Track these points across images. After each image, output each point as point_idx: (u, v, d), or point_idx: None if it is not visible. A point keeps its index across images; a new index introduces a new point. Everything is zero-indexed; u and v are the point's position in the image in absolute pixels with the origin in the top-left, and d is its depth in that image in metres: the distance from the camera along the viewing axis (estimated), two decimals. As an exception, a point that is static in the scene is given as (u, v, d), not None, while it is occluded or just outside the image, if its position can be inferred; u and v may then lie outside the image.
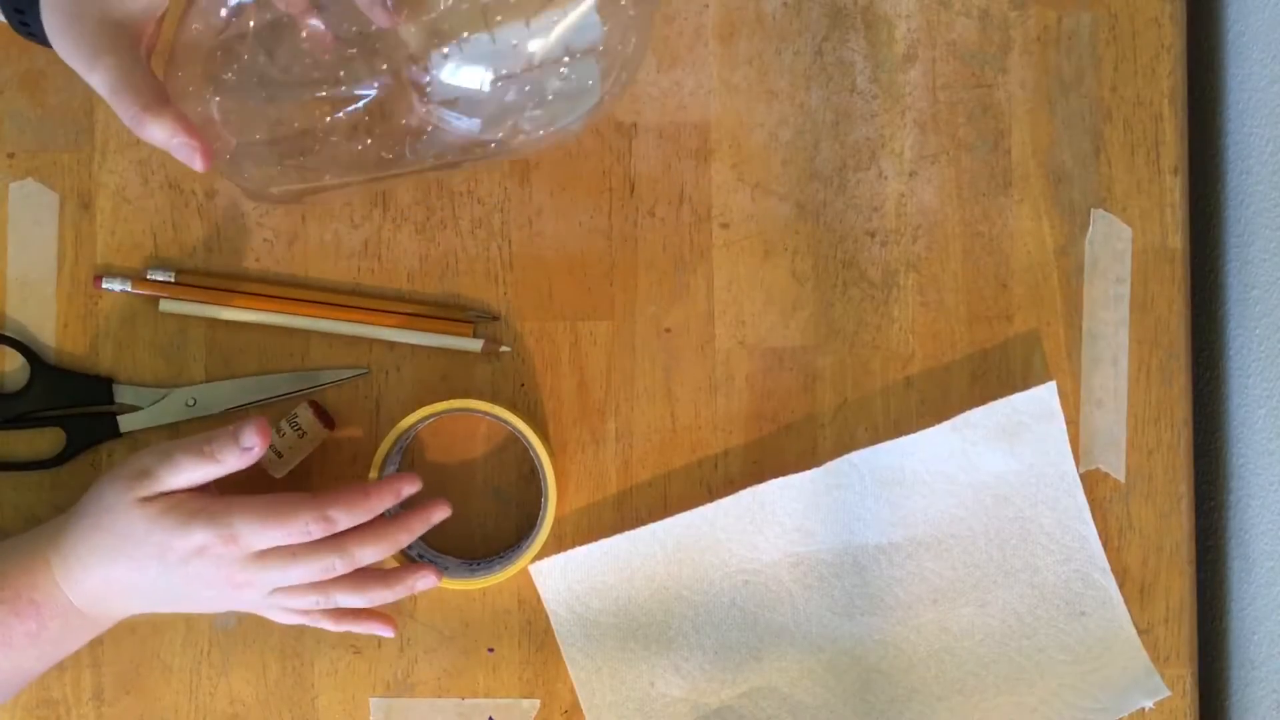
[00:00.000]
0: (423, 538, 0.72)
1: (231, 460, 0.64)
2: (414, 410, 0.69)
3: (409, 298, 0.72)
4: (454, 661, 0.72)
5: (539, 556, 0.70)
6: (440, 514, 0.67)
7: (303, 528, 0.63)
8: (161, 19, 0.59)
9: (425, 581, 0.67)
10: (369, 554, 0.65)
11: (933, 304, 0.72)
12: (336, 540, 0.64)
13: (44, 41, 0.59)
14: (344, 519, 0.64)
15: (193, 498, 0.64)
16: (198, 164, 0.58)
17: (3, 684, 0.66)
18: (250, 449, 0.64)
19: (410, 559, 0.69)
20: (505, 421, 0.69)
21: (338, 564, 0.64)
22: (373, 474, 0.69)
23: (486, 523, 0.72)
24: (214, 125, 0.62)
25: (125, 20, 0.58)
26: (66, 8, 0.57)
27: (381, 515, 0.66)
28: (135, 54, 0.58)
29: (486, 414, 0.69)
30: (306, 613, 0.67)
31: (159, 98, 0.57)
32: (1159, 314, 0.71)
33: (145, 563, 0.63)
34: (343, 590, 0.66)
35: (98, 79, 0.57)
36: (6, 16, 0.60)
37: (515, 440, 0.71)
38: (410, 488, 0.66)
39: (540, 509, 0.70)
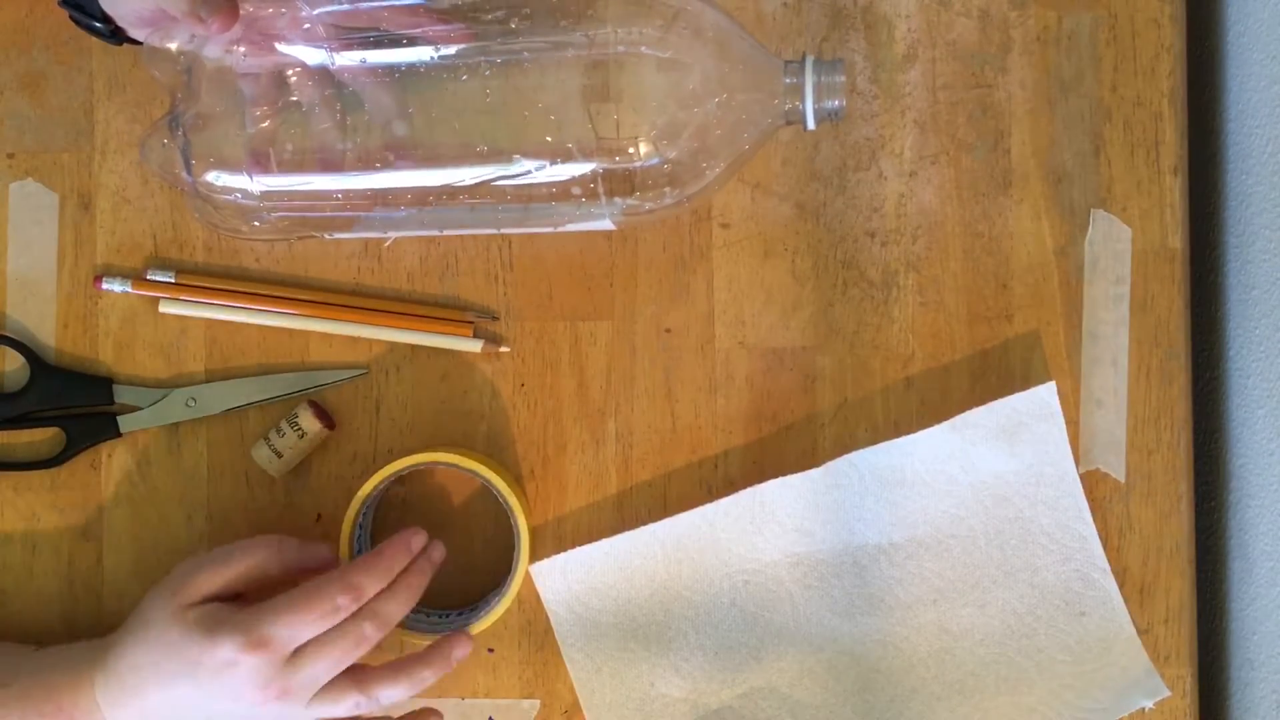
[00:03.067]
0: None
1: (294, 553, 0.64)
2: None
3: (409, 298, 0.72)
4: (454, 661, 0.72)
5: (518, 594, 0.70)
6: (438, 554, 0.66)
7: (332, 605, 0.61)
8: None
9: (461, 650, 0.65)
10: (394, 608, 0.63)
11: (933, 304, 0.72)
12: (360, 609, 0.62)
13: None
14: (369, 583, 0.62)
15: (224, 608, 0.62)
16: (220, 25, 0.59)
17: None
18: (325, 558, 0.65)
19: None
20: (473, 473, 0.68)
21: (368, 629, 0.62)
22: (343, 543, 0.68)
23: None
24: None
25: None
26: None
27: None
28: None
29: (454, 465, 0.68)
30: None
31: None
32: (1159, 314, 0.71)
33: (178, 681, 0.61)
34: (383, 681, 0.63)
35: None
36: None
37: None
38: (419, 540, 0.65)
39: (514, 556, 0.69)
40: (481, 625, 0.68)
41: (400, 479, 0.71)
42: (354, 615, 0.62)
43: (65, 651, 0.65)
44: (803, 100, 0.62)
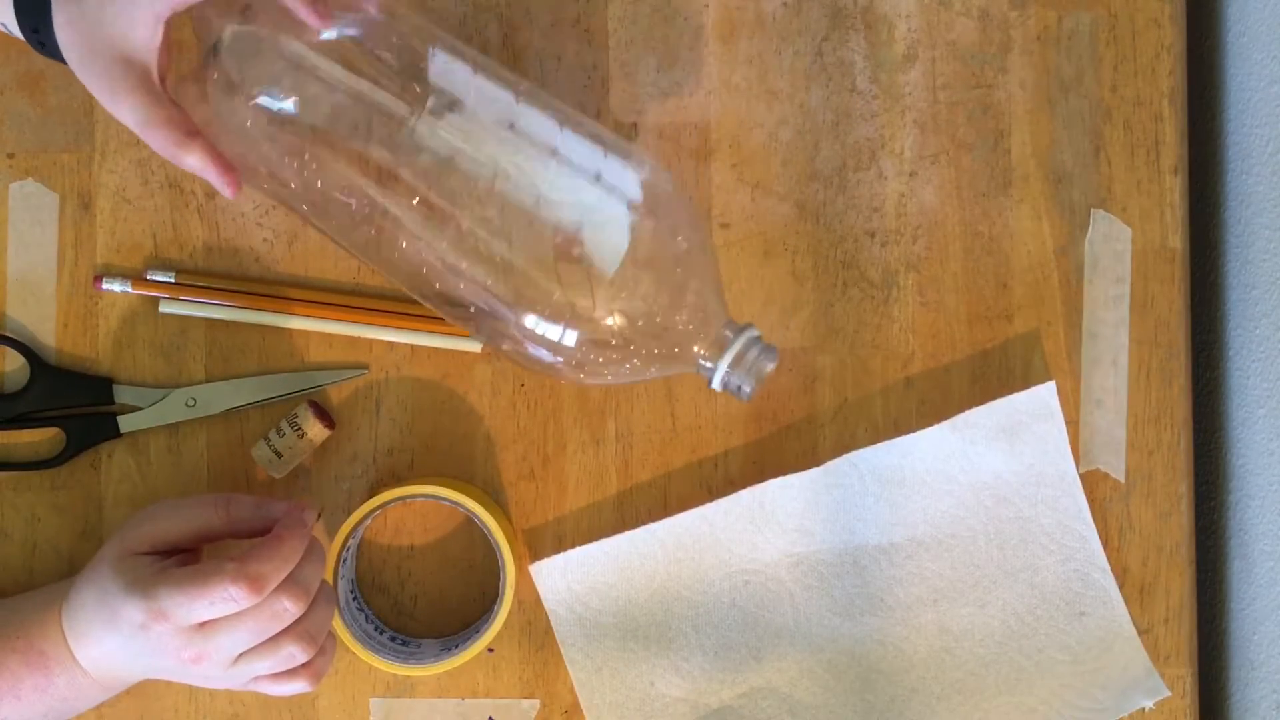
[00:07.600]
0: (394, 624, 0.71)
1: (245, 513, 0.62)
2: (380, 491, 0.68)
3: (409, 298, 0.72)
4: (454, 661, 0.72)
5: (501, 632, 0.70)
6: (311, 515, 0.63)
7: (225, 594, 0.59)
8: (167, 46, 0.59)
9: (310, 514, 0.63)
10: (312, 573, 0.61)
11: (933, 304, 0.72)
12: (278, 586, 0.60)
13: (61, 59, 0.60)
14: (271, 571, 0.59)
15: (156, 564, 0.61)
16: (228, 192, 0.60)
17: None
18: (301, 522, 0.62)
19: (382, 642, 0.69)
20: (457, 504, 0.68)
21: (289, 605, 0.60)
22: (329, 569, 0.67)
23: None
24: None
25: (133, 56, 0.58)
26: (79, 45, 0.58)
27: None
28: (152, 88, 0.59)
29: (435, 498, 0.68)
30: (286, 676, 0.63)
31: (187, 131, 0.59)
32: (1159, 314, 0.71)
33: (111, 631, 0.61)
34: (292, 641, 0.61)
35: (125, 116, 0.59)
36: (25, 36, 0.60)
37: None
38: (311, 514, 0.63)
39: (499, 583, 0.69)
40: (465, 657, 0.68)
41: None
42: (275, 590, 0.60)
43: (38, 591, 0.66)
44: (718, 360, 0.62)
